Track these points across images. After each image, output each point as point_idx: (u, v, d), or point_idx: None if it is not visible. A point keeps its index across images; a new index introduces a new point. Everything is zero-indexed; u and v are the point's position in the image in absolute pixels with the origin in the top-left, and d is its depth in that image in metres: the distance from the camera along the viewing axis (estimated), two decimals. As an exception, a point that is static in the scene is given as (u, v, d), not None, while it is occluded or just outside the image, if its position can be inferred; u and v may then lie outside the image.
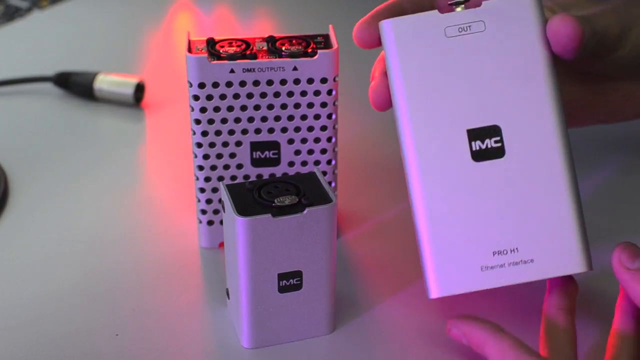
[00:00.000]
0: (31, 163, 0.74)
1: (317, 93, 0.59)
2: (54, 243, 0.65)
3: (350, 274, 0.60)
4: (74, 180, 0.72)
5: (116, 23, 0.99)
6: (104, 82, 0.82)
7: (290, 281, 0.53)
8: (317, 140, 0.60)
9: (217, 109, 0.59)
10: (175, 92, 0.85)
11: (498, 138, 0.51)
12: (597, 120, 0.64)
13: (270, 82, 0.58)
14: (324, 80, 0.59)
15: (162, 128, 0.80)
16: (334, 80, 0.59)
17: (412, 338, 0.56)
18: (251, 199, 0.53)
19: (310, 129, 0.60)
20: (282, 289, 0.54)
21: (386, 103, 0.54)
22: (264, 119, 0.59)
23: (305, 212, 0.52)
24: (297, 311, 0.55)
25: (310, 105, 0.59)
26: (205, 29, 1.01)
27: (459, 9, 0.52)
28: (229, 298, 0.57)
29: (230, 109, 0.59)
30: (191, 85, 0.58)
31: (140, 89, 0.82)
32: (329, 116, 0.60)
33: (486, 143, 0.51)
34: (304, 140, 0.60)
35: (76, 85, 0.83)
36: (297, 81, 0.58)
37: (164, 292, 0.60)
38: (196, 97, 0.58)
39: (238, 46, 0.59)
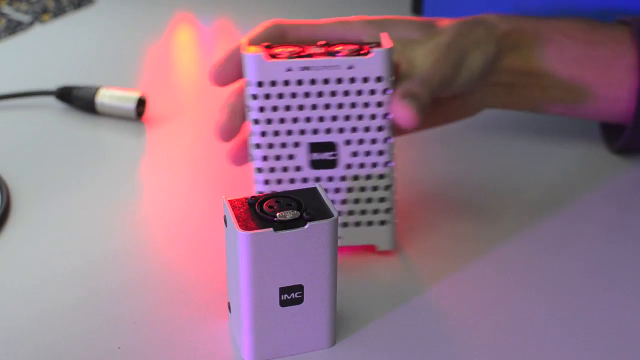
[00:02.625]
0: (33, 176, 0.74)
1: (372, 92, 0.60)
2: (55, 256, 0.65)
3: (352, 287, 0.60)
4: (75, 194, 0.72)
5: (118, 37, 1.00)
6: (106, 97, 0.83)
7: (291, 295, 0.54)
8: (373, 141, 0.61)
9: (274, 109, 0.60)
10: (177, 106, 0.86)
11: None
12: (435, 124, 0.70)
13: (326, 81, 0.59)
14: (379, 79, 0.59)
15: (163, 142, 0.81)
16: (390, 79, 0.60)
17: (412, 352, 0.56)
18: (253, 213, 0.53)
19: (367, 129, 0.60)
20: (283, 303, 0.54)
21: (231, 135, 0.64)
22: (321, 119, 0.60)
23: (306, 226, 0.52)
24: (298, 325, 0.55)
25: (366, 104, 0.60)
26: (206, 41, 1.01)
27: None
28: (230, 311, 0.57)
29: (287, 108, 0.60)
30: (249, 84, 0.59)
31: (141, 103, 0.82)
32: (385, 116, 0.60)
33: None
34: (361, 141, 0.61)
35: (78, 100, 0.83)
36: (352, 80, 0.59)
37: (165, 305, 0.60)
38: (254, 96, 0.59)
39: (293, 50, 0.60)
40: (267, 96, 0.59)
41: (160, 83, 0.91)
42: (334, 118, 0.60)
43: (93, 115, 0.83)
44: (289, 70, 0.59)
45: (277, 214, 0.53)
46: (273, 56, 0.59)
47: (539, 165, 0.74)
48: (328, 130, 0.60)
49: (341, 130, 0.60)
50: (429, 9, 0.93)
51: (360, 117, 0.60)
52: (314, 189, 0.56)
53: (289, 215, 0.53)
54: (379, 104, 0.60)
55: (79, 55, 0.96)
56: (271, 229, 0.52)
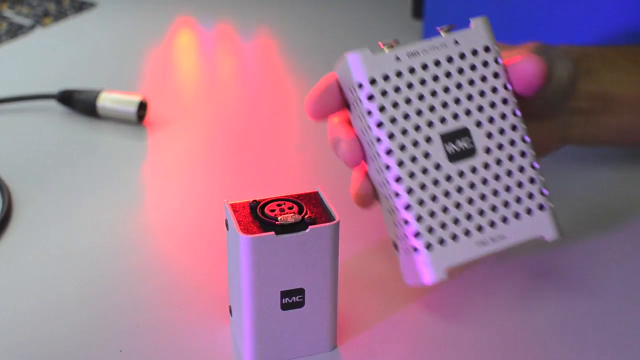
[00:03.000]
0: (35, 179, 0.75)
1: (485, 64, 0.56)
2: (57, 259, 0.65)
3: (353, 290, 0.61)
4: (77, 197, 0.73)
5: (119, 41, 1.00)
6: (107, 100, 0.83)
7: (292, 298, 0.54)
8: (503, 116, 0.56)
9: (395, 105, 0.54)
10: (178, 110, 0.86)
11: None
12: None
13: (437, 63, 0.55)
14: (487, 49, 0.56)
15: (164, 145, 0.81)
16: (495, 48, 0.56)
17: (413, 356, 0.56)
18: (254, 217, 0.54)
19: (492, 104, 0.56)
20: (284, 306, 0.54)
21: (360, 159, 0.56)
22: (444, 105, 0.55)
23: (308, 230, 0.53)
24: (299, 328, 0.55)
25: (483, 78, 0.56)
26: (207, 45, 1.01)
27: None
28: (231, 315, 0.57)
29: (407, 101, 0.54)
30: (360, 87, 0.54)
31: (142, 107, 0.83)
32: (505, 87, 0.56)
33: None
34: (490, 120, 0.55)
35: (79, 103, 0.84)
36: (462, 56, 0.55)
37: (167, 309, 0.60)
38: (371, 97, 0.54)
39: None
40: (384, 93, 0.54)
41: (161, 87, 0.91)
42: (457, 100, 0.55)
43: (94, 119, 0.83)
44: (397, 59, 0.54)
45: (279, 218, 0.53)
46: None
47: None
48: (455, 116, 0.55)
49: (468, 112, 0.55)
50: (430, 13, 0.93)
51: (482, 94, 0.56)
52: (316, 193, 0.56)
53: (290, 218, 0.53)
54: (495, 75, 0.56)
55: (81, 58, 0.96)
56: (273, 233, 0.52)
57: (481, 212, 0.54)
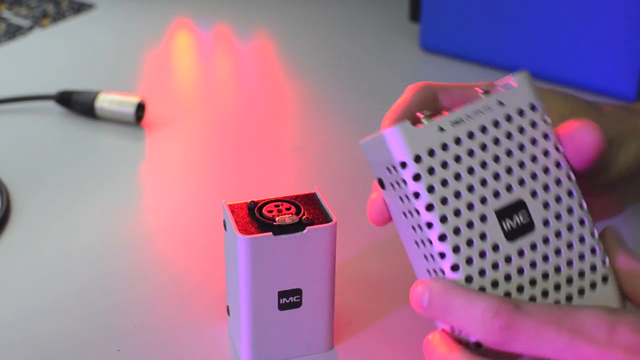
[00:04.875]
0: (33, 180, 0.75)
1: (533, 125, 0.50)
2: (55, 259, 0.66)
3: (350, 291, 0.61)
4: (75, 198, 0.73)
5: (117, 42, 1.00)
6: (105, 101, 0.83)
7: (290, 299, 0.54)
8: (558, 182, 0.49)
9: (444, 183, 0.47)
10: (176, 111, 0.86)
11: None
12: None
13: (483, 130, 0.48)
14: (533, 108, 0.50)
15: (162, 147, 0.81)
16: (542, 106, 0.50)
17: (411, 355, 0.57)
18: (252, 217, 0.54)
19: (546, 170, 0.49)
20: (282, 307, 0.54)
21: (385, 219, 0.52)
22: (496, 177, 0.48)
23: (305, 231, 0.53)
24: (296, 328, 0.55)
25: (534, 141, 0.49)
26: (204, 46, 1.02)
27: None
28: (229, 315, 0.58)
29: (457, 177, 0.48)
30: (404, 166, 0.47)
31: (141, 108, 0.83)
32: (556, 148, 0.50)
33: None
34: (545, 187, 0.49)
35: (78, 104, 0.84)
36: (508, 118, 0.49)
37: (165, 308, 0.60)
38: (417, 177, 0.47)
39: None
40: (431, 171, 0.47)
41: (159, 88, 0.91)
42: (509, 170, 0.49)
43: (93, 120, 0.83)
44: (441, 130, 0.48)
45: (277, 218, 0.53)
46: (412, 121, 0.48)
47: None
48: (509, 188, 0.49)
49: (521, 182, 0.49)
50: (427, 16, 0.94)
51: (534, 159, 0.49)
52: (313, 194, 0.56)
53: (288, 219, 0.53)
54: (545, 136, 0.50)
55: (79, 59, 0.96)
56: (270, 233, 0.52)
57: (545, 293, 0.48)
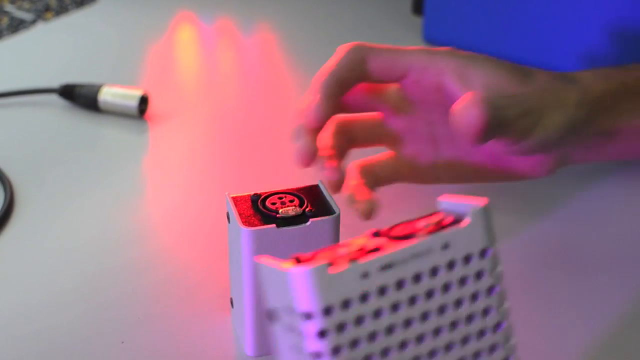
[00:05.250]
0: (36, 173, 0.75)
1: (479, 275, 0.42)
2: (59, 252, 0.66)
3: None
4: (78, 191, 0.73)
5: (120, 35, 1.00)
6: (108, 94, 0.83)
7: None
8: (492, 348, 0.42)
9: (353, 344, 0.39)
10: (179, 104, 0.86)
11: None
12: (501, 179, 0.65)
13: (417, 278, 0.40)
14: (483, 253, 0.42)
15: (165, 140, 0.81)
16: (495, 248, 0.42)
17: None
18: (256, 209, 0.54)
19: (481, 334, 0.42)
20: None
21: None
22: (419, 339, 0.41)
23: (309, 223, 0.53)
24: None
25: (474, 296, 0.42)
26: (207, 40, 1.02)
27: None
28: (233, 307, 0.58)
29: (372, 337, 0.39)
30: (309, 317, 0.38)
31: (144, 101, 0.83)
32: (501, 308, 0.42)
33: None
34: (476, 356, 0.42)
35: (81, 97, 0.84)
36: (450, 265, 0.41)
37: (169, 300, 0.60)
38: (322, 333, 0.38)
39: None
40: (341, 327, 0.39)
41: (162, 81, 0.91)
42: (437, 331, 0.41)
43: (95, 113, 0.83)
44: (364, 276, 0.39)
45: (280, 211, 0.53)
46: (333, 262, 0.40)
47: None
48: (432, 354, 0.41)
49: (448, 348, 0.41)
50: (430, 10, 0.94)
51: (469, 319, 0.42)
52: (316, 186, 0.56)
53: (291, 211, 0.53)
54: (489, 290, 0.42)
55: (82, 53, 0.96)
56: (274, 225, 0.52)
57: None
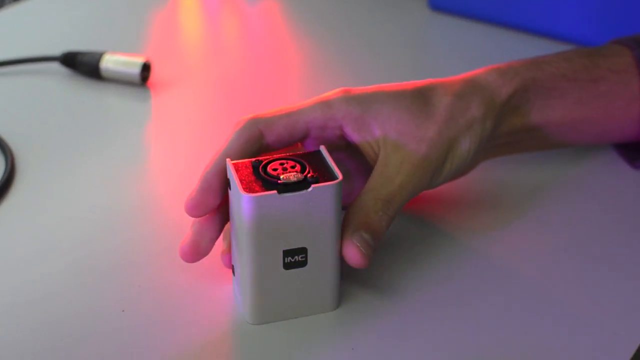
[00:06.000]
0: (38, 142, 0.74)
1: None
2: (60, 221, 0.65)
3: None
4: (80, 159, 0.72)
5: (122, 2, 0.99)
6: (110, 62, 0.82)
7: (295, 258, 0.54)
8: None
9: None
10: (181, 71, 0.86)
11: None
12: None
13: None
14: None
15: (168, 107, 0.81)
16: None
17: (417, 313, 0.57)
18: (257, 176, 0.53)
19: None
20: (287, 266, 0.54)
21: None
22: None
23: (310, 189, 0.52)
24: (301, 287, 0.55)
25: None
26: (210, 6, 1.01)
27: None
28: (234, 275, 0.57)
29: None
30: None
31: (146, 68, 0.82)
32: None
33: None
34: None
35: (82, 65, 0.83)
36: None
37: (170, 269, 0.60)
38: None
39: None
40: None
41: (165, 48, 0.91)
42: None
43: (97, 81, 0.83)
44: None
45: (281, 176, 0.53)
46: None
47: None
48: None
49: None
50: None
51: None
52: (318, 152, 0.55)
53: (293, 177, 0.53)
54: None
55: (84, 20, 0.95)
56: (275, 192, 0.52)
57: None
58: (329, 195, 0.53)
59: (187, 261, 0.57)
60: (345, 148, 0.61)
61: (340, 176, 0.53)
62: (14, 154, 0.72)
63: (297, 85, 0.87)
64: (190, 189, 0.67)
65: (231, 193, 0.54)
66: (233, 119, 0.78)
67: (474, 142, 0.61)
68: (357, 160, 0.61)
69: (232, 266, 0.57)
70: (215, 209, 0.56)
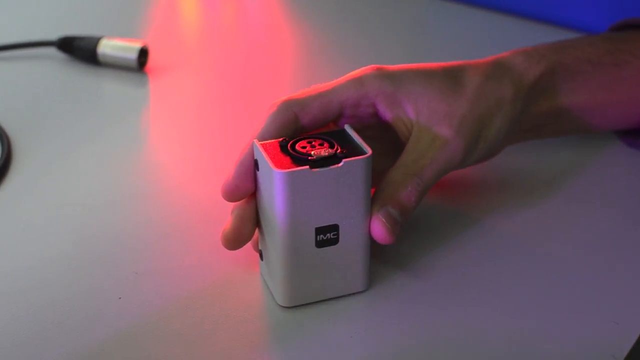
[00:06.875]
0: (34, 127, 0.74)
1: None
2: (56, 206, 0.65)
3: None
4: (77, 144, 0.72)
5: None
6: (108, 47, 0.82)
7: (327, 235, 0.53)
8: None
9: None
10: (179, 56, 0.85)
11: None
12: None
13: None
14: None
15: (165, 92, 0.80)
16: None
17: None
18: (286, 153, 0.53)
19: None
20: (319, 244, 0.53)
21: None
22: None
23: (342, 163, 0.52)
24: (333, 267, 0.54)
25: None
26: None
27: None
28: (262, 259, 0.57)
29: None
30: None
31: (143, 53, 0.82)
32: None
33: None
34: None
35: (80, 50, 0.83)
36: None
37: (167, 256, 0.60)
38: None
39: None
40: None
41: (162, 33, 0.90)
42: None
43: (95, 66, 0.83)
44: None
45: (312, 153, 0.52)
46: None
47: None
48: None
49: None
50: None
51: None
52: (343, 130, 0.55)
53: (324, 152, 0.52)
54: None
55: (81, 5, 0.95)
56: (307, 167, 0.51)
57: None
58: (360, 170, 0.52)
59: (230, 249, 0.56)
60: (376, 127, 0.61)
61: (370, 151, 0.53)
62: (10, 139, 0.71)
63: (295, 70, 0.86)
64: (187, 175, 0.67)
65: (259, 174, 0.54)
66: (231, 105, 0.78)
67: (504, 122, 0.61)
68: (388, 139, 0.61)
69: (260, 251, 0.57)
70: (252, 194, 0.56)
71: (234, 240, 0.56)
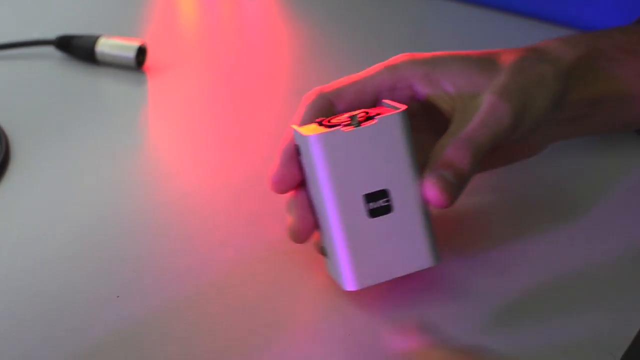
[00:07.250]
0: (32, 126, 0.74)
1: None
2: (54, 206, 0.65)
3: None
4: (75, 143, 0.72)
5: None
6: (106, 46, 0.82)
7: (378, 202, 0.52)
8: None
9: None
10: (177, 55, 0.85)
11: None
12: (496, 166, 0.64)
13: None
14: None
15: (164, 91, 0.80)
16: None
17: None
18: (322, 127, 0.53)
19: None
20: (372, 212, 0.52)
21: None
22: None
23: (376, 120, 0.51)
24: (393, 238, 0.52)
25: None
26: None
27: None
28: (327, 257, 0.55)
29: None
30: None
31: (142, 52, 0.82)
32: None
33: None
34: None
35: (78, 49, 0.83)
36: None
37: (165, 255, 0.60)
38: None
39: None
40: None
41: (160, 32, 0.90)
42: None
43: (93, 65, 0.82)
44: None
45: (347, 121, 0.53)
46: None
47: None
48: None
49: None
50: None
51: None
52: (381, 106, 0.56)
53: (359, 117, 0.52)
54: None
55: (79, 3, 0.95)
56: (339, 127, 0.51)
57: None
58: (396, 126, 0.52)
59: (300, 241, 0.55)
60: (416, 111, 0.59)
61: (404, 106, 0.52)
62: (8, 138, 0.71)
63: (294, 69, 0.86)
64: (185, 173, 0.67)
65: (302, 158, 0.54)
66: (229, 103, 0.78)
67: (548, 97, 0.59)
68: (432, 121, 0.60)
69: (321, 247, 0.55)
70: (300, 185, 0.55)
71: (302, 229, 0.54)
